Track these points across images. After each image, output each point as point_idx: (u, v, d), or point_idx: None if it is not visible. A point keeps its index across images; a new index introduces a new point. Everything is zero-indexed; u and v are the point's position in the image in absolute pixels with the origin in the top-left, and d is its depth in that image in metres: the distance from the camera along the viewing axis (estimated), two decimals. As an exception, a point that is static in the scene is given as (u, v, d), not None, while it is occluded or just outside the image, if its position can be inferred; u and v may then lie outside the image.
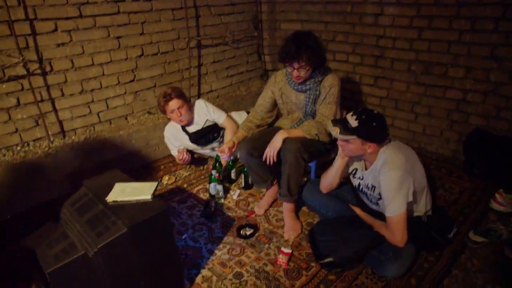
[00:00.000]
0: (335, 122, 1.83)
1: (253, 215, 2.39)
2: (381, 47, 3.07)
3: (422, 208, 1.95)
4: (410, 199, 1.78)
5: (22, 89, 2.45)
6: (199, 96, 3.57)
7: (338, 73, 3.43)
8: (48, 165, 2.50)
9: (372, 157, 1.87)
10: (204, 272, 1.94)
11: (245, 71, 3.91)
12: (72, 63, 2.64)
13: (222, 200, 2.58)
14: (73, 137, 2.73)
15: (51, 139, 2.65)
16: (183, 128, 2.89)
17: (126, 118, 3.08)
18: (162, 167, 3.03)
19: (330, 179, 2.13)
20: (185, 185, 2.78)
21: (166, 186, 2.78)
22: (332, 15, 3.30)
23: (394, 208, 1.76)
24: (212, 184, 2.56)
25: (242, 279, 1.88)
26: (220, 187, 2.55)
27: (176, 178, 2.89)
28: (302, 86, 2.26)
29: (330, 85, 2.21)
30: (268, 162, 2.16)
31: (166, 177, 2.87)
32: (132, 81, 3.02)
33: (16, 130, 2.52)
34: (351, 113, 1.80)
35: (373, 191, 1.95)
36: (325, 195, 2.23)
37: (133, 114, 3.11)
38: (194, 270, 1.96)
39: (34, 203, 2.48)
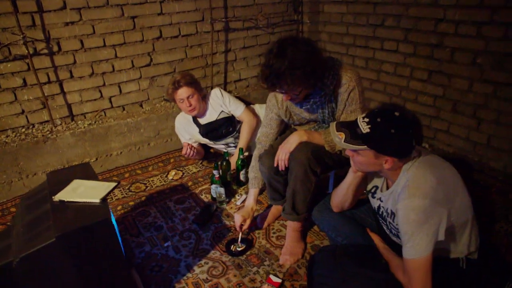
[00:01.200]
0: (340, 125, 1.41)
1: (252, 227, 2.06)
2: (440, 34, 2.47)
3: (463, 248, 1.44)
4: (441, 238, 1.30)
5: (28, 69, 2.38)
6: (225, 84, 3.29)
7: (385, 65, 2.89)
8: (46, 150, 2.41)
9: (393, 175, 1.42)
10: (172, 291, 1.67)
11: (280, 60, 3.52)
12: (82, 43, 2.52)
13: (225, 205, 2.29)
14: (79, 122, 2.63)
15: (55, 122, 2.57)
16: (195, 119, 2.64)
17: (141, 105, 2.91)
18: (172, 160, 2.82)
19: (340, 196, 1.70)
20: (189, 183, 2.54)
21: (170, 182, 2.56)
22: (382, -6, 2.76)
23: (414, 249, 1.30)
24: (213, 186, 2.27)
25: (211, 309, 1.58)
26: (222, 190, 2.26)
27: (183, 173, 2.66)
28: (308, 105, 1.77)
29: (346, 90, 1.72)
30: (280, 168, 1.80)
31: (173, 172, 2.66)
32: (148, 65, 2.83)
33: (23, 112, 2.47)
34: (363, 115, 1.36)
35: (393, 220, 1.49)
36: (337, 214, 1.80)
37: (149, 101, 2.93)
38: (169, 283, 1.70)
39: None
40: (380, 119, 1.29)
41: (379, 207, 1.59)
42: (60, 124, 2.59)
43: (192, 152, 2.45)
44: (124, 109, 2.86)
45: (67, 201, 1.40)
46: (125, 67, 2.74)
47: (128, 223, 2.16)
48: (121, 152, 2.71)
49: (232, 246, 1.92)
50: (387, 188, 1.52)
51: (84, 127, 2.55)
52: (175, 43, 2.89)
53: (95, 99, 2.70)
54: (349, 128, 1.37)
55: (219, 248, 1.93)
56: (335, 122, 1.42)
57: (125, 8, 2.60)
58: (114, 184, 1.49)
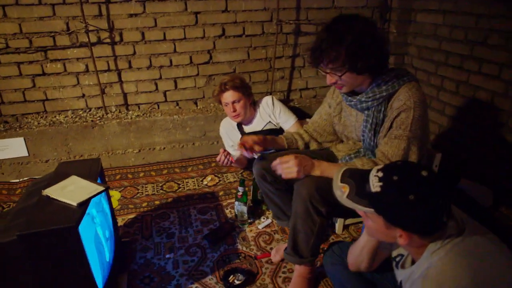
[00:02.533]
0: (349, 174, 1.10)
1: (264, 259, 1.84)
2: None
3: None
4: None
5: (91, 56, 2.51)
6: (288, 92, 3.07)
7: (480, 92, 2.33)
8: (92, 135, 2.53)
9: (415, 253, 1.07)
10: (149, 313, 1.56)
11: (358, 71, 3.14)
12: (143, 35, 2.57)
13: (246, 226, 2.10)
14: (130, 112, 2.71)
15: (110, 110, 2.68)
16: (239, 125, 2.50)
17: (195, 102, 2.88)
18: (213, 164, 2.73)
19: (355, 256, 1.37)
20: (221, 193, 2.41)
21: (203, 187, 2.47)
22: (489, 4, 2.20)
23: None
24: (236, 203, 2.10)
25: None
26: (244, 209, 2.07)
27: (219, 180, 2.54)
28: (355, 101, 1.51)
29: (400, 107, 1.40)
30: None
31: (209, 178, 2.56)
32: (206, 63, 2.77)
33: (83, 96, 2.63)
34: (379, 167, 1.03)
35: None
36: (352, 274, 1.46)
37: (203, 99, 2.88)
38: (146, 304, 1.60)
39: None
40: (397, 178, 0.95)
41: (402, 280, 1.22)
42: (114, 112, 2.70)
43: (226, 160, 2.30)
44: (177, 105, 2.86)
45: (52, 198, 1.38)
46: (183, 62, 2.72)
47: (145, 223, 2.13)
48: (164, 148, 2.71)
49: (232, 276, 1.72)
50: (412, 262, 1.16)
51: (131, 118, 2.60)
52: (238, 42, 2.77)
53: (150, 91, 2.75)
54: (358, 181, 1.05)
55: (218, 274, 1.75)
56: (343, 169, 1.11)
57: (188, 3, 2.57)
58: (101, 188, 1.43)
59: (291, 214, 1.52)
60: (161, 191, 2.44)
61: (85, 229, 1.33)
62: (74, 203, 1.34)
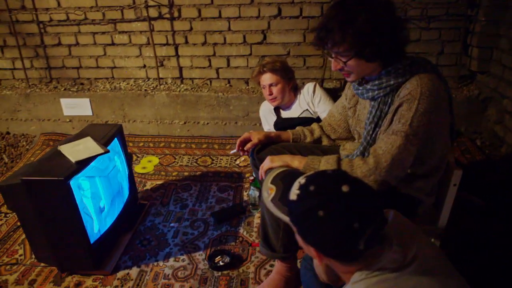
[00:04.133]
0: (283, 175, 1.02)
1: (258, 247, 1.84)
2: None
3: None
4: None
5: (153, 30, 2.73)
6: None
7: None
8: (144, 103, 2.78)
9: (343, 277, 0.97)
10: (133, 270, 1.71)
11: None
12: (199, 12, 2.68)
13: (256, 212, 2.11)
14: (181, 85, 2.87)
15: (161, 81, 2.89)
16: (276, 109, 2.46)
17: (246, 82, 2.92)
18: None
19: (316, 268, 1.28)
20: (247, 174, 2.44)
21: (234, 166, 2.53)
22: None
23: None
24: (251, 187, 2.11)
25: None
26: (256, 194, 2.08)
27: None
28: (361, 89, 1.35)
29: (404, 96, 1.21)
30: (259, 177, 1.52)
31: (243, 158, 2.61)
32: (260, 43, 2.76)
33: (144, 66, 2.89)
34: (308, 173, 0.93)
35: None
36: (321, 283, 1.38)
37: (254, 80, 2.89)
38: (139, 261, 1.76)
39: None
40: (313, 188, 0.85)
41: None
42: (169, 83, 2.91)
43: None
44: (229, 82, 2.93)
45: (62, 153, 1.60)
46: (236, 41, 2.76)
47: (167, 191, 2.30)
48: (207, 123, 2.84)
49: (219, 257, 1.77)
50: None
51: (179, 91, 2.77)
52: (294, 24, 2.68)
53: (203, 67, 2.87)
54: (286, 185, 0.98)
55: (209, 252, 1.81)
56: (277, 172, 1.03)
57: (245, -19, 2.57)
58: (100, 151, 1.59)
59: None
60: (194, 163, 2.58)
61: (82, 185, 1.52)
62: (73, 160, 1.54)
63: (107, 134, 1.78)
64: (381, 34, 1.14)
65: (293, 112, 2.41)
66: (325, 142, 1.70)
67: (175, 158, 2.65)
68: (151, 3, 2.63)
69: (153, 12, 2.68)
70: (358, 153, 1.45)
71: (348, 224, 0.79)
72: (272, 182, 1.01)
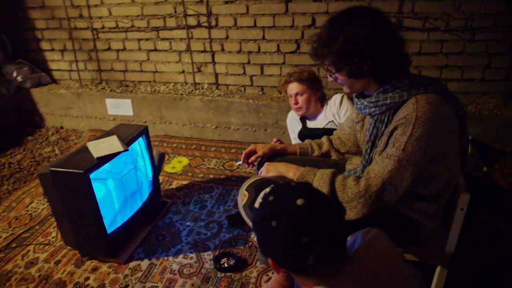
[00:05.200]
0: (259, 183, 1.07)
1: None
2: None
3: None
4: None
5: (192, 37, 2.90)
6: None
7: None
8: (180, 106, 2.94)
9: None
10: (144, 262, 1.84)
11: (478, 80, 2.61)
12: (235, 21, 2.79)
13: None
14: (216, 91, 3.00)
15: (197, 86, 3.04)
16: (302, 118, 2.49)
17: (279, 90, 2.97)
18: (277, 153, 2.79)
19: None
20: (269, 182, 2.49)
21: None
22: None
23: None
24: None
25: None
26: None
27: (274, 170, 2.61)
28: (360, 104, 1.36)
29: (399, 120, 1.19)
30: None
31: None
32: (293, 52, 2.81)
33: (183, 71, 3.08)
34: (271, 186, 0.97)
35: None
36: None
37: (287, 88, 2.94)
38: (151, 254, 1.89)
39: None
40: (272, 198, 0.90)
41: None
42: (205, 88, 3.05)
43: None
44: (262, 90, 3.01)
45: (88, 148, 1.78)
46: (270, 50, 2.83)
47: (191, 191, 2.43)
48: (238, 129, 2.93)
49: (225, 259, 1.84)
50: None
51: (212, 96, 2.90)
52: (328, 34, 2.69)
53: (238, 74, 2.98)
54: (258, 192, 1.02)
55: (215, 253, 1.89)
56: (256, 178, 1.08)
57: (280, -9, 2.63)
58: (120, 149, 1.75)
59: None
60: (221, 167, 2.69)
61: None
62: (95, 156, 1.71)
63: (131, 134, 1.94)
64: (362, 53, 1.15)
65: (318, 122, 2.41)
66: (333, 156, 1.70)
67: (204, 161, 2.78)
68: (190, 12, 2.80)
69: (192, 21, 2.85)
70: (359, 170, 1.44)
71: (297, 237, 0.82)
72: (246, 189, 1.06)
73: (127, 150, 1.77)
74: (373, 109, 1.29)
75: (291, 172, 1.40)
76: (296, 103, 2.36)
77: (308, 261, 0.83)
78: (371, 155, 1.35)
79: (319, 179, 1.32)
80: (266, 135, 2.91)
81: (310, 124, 2.45)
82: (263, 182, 1.07)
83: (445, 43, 2.56)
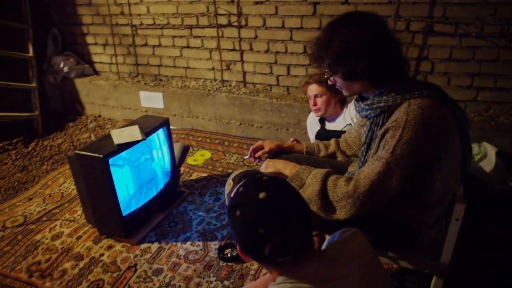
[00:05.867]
0: (241, 175, 1.15)
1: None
2: None
3: None
4: None
5: (222, 36, 3.02)
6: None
7: None
8: (206, 102, 3.07)
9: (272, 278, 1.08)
10: (154, 244, 1.98)
11: (512, 89, 2.49)
12: (264, 21, 2.87)
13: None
14: (242, 89, 3.10)
15: (224, 83, 3.15)
16: (321, 120, 2.52)
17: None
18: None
19: None
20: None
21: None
22: None
23: None
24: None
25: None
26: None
27: (291, 169, 2.66)
28: (358, 107, 1.40)
29: (391, 123, 1.21)
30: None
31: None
32: (320, 54, 2.83)
33: (213, 68, 3.20)
34: (247, 178, 1.05)
35: None
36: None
37: (312, 89, 2.97)
38: (161, 239, 2.03)
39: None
40: (242, 189, 0.97)
41: None
42: (233, 86, 3.16)
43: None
44: (287, 90, 3.06)
45: (110, 135, 1.94)
46: (297, 51, 2.88)
47: (208, 183, 2.54)
48: (261, 127, 3.01)
49: (229, 249, 1.92)
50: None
51: (237, 94, 3.00)
52: (355, 36, 2.68)
53: (265, 74, 3.06)
54: (237, 182, 1.10)
55: (221, 243, 1.99)
56: (243, 169, 1.16)
57: (309, -7, 2.67)
58: (138, 138, 1.89)
59: None
60: (240, 163, 2.78)
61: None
62: (116, 143, 1.86)
63: (152, 125, 2.08)
64: (356, 56, 1.18)
65: (337, 124, 2.42)
66: (339, 158, 1.73)
67: (225, 155, 2.89)
68: (221, 11, 2.91)
69: (223, 20, 2.96)
70: (356, 172, 1.46)
71: (254, 227, 0.89)
72: (232, 179, 1.14)
73: (145, 139, 1.91)
74: (368, 111, 1.32)
75: (287, 169, 1.45)
76: (315, 104, 2.39)
77: (264, 251, 0.89)
78: (366, 157, 1.38)
79: (312, 177, 1.36)
80: (287, 134, 2.96)
81: (329, 125, 2.47)
82: (247, 174, 1.13)
83: (478, 50, 2.46)
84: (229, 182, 1.14)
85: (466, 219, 1.87)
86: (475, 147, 2.36)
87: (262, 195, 0.90)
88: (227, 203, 1.10)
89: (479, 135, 2.42)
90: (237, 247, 0.98)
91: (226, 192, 1.11)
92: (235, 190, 0.98)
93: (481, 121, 2.47)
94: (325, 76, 1.34)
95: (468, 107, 2.59)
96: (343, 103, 2.43)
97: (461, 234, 1.33)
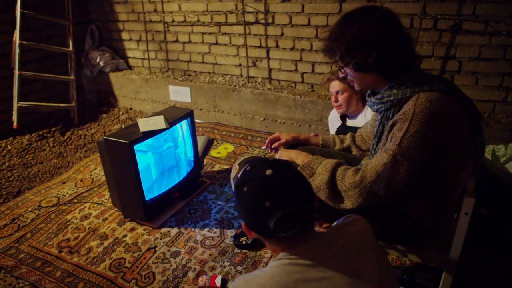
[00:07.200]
0: (248, 160, 1.22)
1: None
2: None
3: None
4: None
5: (249, 33, 3.11)
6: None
7: None
8: (232, 97, 3.16)
9: (274, 255, 1.14)
10: (174, 229, 2.08)
11: (546, 90, 2.41)
12: (290, 19, 2.93)
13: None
14: (268, 85, 3.17)
15: (250, 79, 3.23)
16: (343, 117, 2.55)
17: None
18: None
19: None
20: (304, 175, 2.59)
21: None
22: None
23: None
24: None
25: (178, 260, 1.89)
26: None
27: (312, 165, 2.71)
28: (369, 102, 1.44)
29: (399, 116, 1.25)
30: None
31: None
32: (345, 52, 2.85)
33: (240, 65, 3.30)
34: (253, 159, 1.12)
35: None
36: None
37: (336, 87, 3.00)
38: (181, 224, 2.13)
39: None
40: (249, 168, 1.04)
41: None
42: (258, 82, 3.24)
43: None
44: (312, 87, 3.10)
45: (137, 124, 2.07)
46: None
47: (229, 175, 2.63)
48: (284, 122, 3.06)
49: (244, 237, 2.00)
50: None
51: (262, 90, 3.07)
52: (381, 34, 2.69)
53: (290, 71, 3.11)
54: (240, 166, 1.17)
55: (237, 232, 2.07)
56: (250, 155, 1.22)
57: (335, -9, 2.70)
58: (162, 127, 2.01)
59: None
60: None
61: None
62: (141, 130, 1.98)
63: (176, 116, 2.20)
64: (367, 47, 1.21)
65: (357, 121, 2.44)
66: (354, 151, 1.77)
67: (248, 149, 2.97)
68: (249, 9, 3.00)
69: (250, 18, 3.05)
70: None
71: (260, 201, 0.95)
72: (238, 163, 1.21)
73: (169, 128, 2.03)
74: (379, 105, 1.35)
75: (300, 158, 1.51)
76: (337, 101, 2.42)
77: (269, 224, 0.95)
78: (376, 149, 1.41)
79: (323, 167, 1.41)
80: (310, 131, 3.00)
81: (350, 122, 2.49)
82: (253, 159, 1.20)
83: (508, 49, 2.40)
84: (235, 166, 1.21)
85: (488, 220, 1.86)
86: (501, 149, 2.31)
87: (269, 172, 0.97)
88: (232, 186, 1.17)
89: (507, 136, 2.36)
90: (243, 223, 1.05)
91: (233, 175, 1.18)
92: (242, 169, 1.05)
93: (510, 122, 2.41)
94: (336, 68, 1.38)
95: (497, 108, 2.53)
96: (364, 100, 2.44)
97: (479, 232, 1.33)
